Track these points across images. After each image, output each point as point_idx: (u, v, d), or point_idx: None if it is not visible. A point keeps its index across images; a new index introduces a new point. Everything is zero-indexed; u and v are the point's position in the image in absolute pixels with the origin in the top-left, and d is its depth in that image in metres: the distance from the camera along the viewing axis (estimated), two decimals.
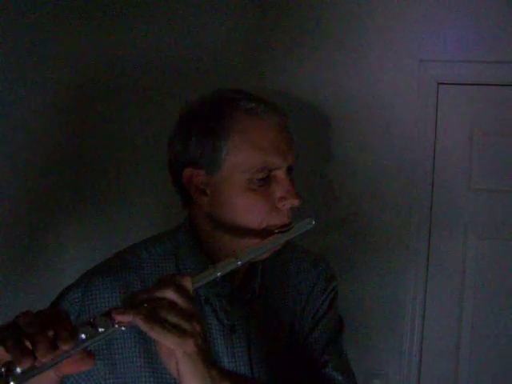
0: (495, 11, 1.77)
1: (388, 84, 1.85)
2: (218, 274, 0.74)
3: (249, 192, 0.83)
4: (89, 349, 0.63)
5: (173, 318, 0.65)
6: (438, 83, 1.82)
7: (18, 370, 0.55)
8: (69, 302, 0.84)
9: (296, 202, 0.86)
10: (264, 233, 0.85)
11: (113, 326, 0.63)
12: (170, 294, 0.66)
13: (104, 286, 0.85)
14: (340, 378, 0.93)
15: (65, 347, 0.59)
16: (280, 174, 0.85)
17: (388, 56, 1.84)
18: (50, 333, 0.59)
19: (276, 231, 0.85)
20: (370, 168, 1.88)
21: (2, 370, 0.56)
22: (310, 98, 1.88)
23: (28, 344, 0.58)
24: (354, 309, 1.88)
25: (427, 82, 1.82)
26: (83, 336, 0.60)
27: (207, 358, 0.68)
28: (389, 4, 1.83)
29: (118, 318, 0.64)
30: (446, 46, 1.80)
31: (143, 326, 0.63)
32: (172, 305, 0.66)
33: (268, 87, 1.85)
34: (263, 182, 0.84)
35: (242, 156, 0.83)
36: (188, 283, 0.69)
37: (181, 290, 0.67)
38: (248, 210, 0.84)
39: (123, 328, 0.64)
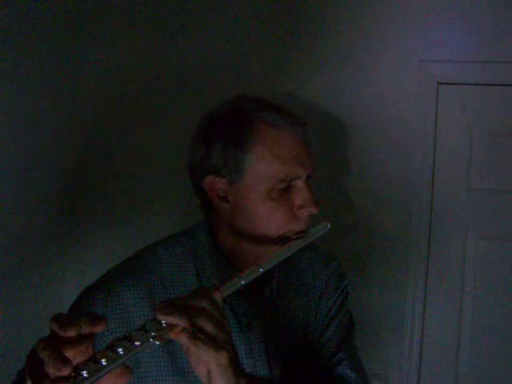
0: (495, 11, 1.77)
1: (388, 84, 1.84)
2: (242, 282, 0.76)
3: (270, 201, 0.86)
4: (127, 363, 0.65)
5: (211, 328, 0.67)
6: (438, 83, 1.82)
7: None
8: (91, 303, 0.86)
9: (314, 210, 0.88)
10: (281, 239, 0.87)
11: (148, 340, 0.64)
12: (206, 306, 0.68)
13: (126, 287, 0.86)
14: (354, 375, 0.96)
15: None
16: (300, 183, 0.88)
17: (388, 56, 1.83)
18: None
19: (294, 237, 0.88)
20: (369, 168, 1.87)
21: None
22: (309, 99, 1.87)
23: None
24: (353, 309, 1.87)
25: (427, 81, 1.82)
26: (120, 351, 0.62)
27: (237, 368, 0.70)
28: (389, 4, 1.82)
29: (162, 318, 0.65)
30: (445, 46, 1.80)
31: (185, 341, 0.65)
32: (210, 316, 0.68)
33: (275, 93, 1.84)
34: (283, 191, 0.87)
35: (264, 167, 0.85)
36: (219, 296, 0.71)
37: (214, 302, 0.69)
38: (268, 218, 0.86)
39: (157, 342, 0.65)
